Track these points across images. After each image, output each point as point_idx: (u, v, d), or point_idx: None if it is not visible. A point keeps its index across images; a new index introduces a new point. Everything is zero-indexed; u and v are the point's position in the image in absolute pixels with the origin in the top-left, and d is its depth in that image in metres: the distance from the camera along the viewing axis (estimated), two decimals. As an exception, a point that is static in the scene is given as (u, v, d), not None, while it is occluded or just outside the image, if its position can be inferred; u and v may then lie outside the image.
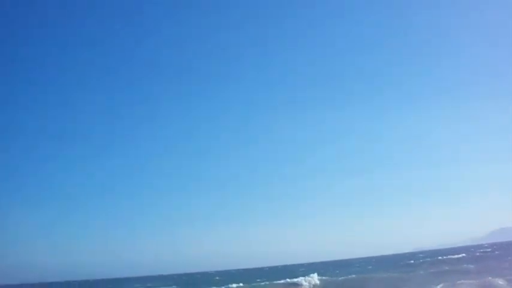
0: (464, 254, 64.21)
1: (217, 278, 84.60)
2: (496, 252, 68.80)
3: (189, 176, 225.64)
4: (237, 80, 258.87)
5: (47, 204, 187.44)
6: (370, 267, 65.19)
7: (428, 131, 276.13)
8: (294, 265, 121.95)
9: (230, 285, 34.99)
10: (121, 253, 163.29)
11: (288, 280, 37.86)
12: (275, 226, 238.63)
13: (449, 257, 62.54)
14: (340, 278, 40.34)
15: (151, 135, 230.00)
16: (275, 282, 37.64)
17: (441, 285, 29.42)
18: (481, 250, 78.48)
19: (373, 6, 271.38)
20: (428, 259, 65.97)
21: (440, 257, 65.21)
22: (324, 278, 39.40)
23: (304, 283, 37.28)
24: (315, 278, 38.36)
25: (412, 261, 66.50)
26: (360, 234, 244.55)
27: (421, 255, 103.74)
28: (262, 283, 37.72)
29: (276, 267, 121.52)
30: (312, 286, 36.86)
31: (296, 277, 39.40)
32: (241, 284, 35.14)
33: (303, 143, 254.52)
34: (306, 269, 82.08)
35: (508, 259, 50.76)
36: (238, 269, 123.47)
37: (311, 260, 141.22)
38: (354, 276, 41.17)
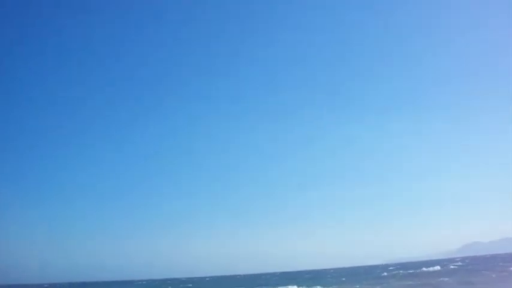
0: (438, 267, 63.88)
1: (190, 285, 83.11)
2: (469, 267, 68.75)
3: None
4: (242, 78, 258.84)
5: (46, 204, 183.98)
6: (343, 278, 64.26)
7: (404, 144, 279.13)
8: (266, 274, 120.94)
9: None
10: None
11: None
12: (246, 233, 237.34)
13: (423, 269, 62.16)
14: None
15: (150, 133, 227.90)
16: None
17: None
18: (455, 264, 78.40)
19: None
20: (402, 271, 65.50)
21: (412, 270, 64.85)
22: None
23: None
24: None
25: (385, 274, 65.98)
26: (331, 245, 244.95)
27: (392, 267, 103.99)
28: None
29: (249, 275, 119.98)
30: None
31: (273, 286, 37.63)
32: None
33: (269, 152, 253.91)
34: (279, 277, 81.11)
35: (482, 273, 50.44)
36: (212, 276, 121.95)
37: (282, 270, 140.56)
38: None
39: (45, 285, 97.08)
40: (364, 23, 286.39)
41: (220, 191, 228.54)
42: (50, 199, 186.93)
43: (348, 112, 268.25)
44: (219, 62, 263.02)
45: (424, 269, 62.58)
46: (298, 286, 36.18)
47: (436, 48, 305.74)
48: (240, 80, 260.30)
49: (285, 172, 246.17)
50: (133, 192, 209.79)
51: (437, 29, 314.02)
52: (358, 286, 39.93)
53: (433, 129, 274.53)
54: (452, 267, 67.03)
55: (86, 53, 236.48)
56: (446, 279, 43.92)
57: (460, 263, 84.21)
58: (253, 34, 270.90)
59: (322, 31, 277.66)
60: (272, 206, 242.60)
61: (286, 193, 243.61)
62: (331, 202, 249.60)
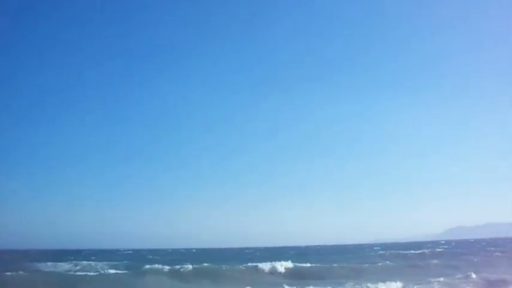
0: (425, 250, 63.40)
1: (174, 257, 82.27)
2: (455, 250, 68.53)
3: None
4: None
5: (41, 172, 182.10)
6: (332, 256, 63.73)
7: (392, 125, 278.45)
8: (249, 248, 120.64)
9: (182, 266, 31.71)
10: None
11: (250, 264, 34.06)
12: (234, 209, 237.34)
13: (410, 251, 61.65)
14: (307, 265, 37.30)
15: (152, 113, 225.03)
16: (238, 266, 34.10)
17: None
18: (441, 246, 78.17)
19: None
20: (388, 252, 64.95)
21: (398, 251, 64.39)
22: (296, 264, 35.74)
23: (279, 268, 33.42)
24: (287, 263, 34.47)
25: (372, 253, 65.31)
26: (316, 223, 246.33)
27: (377, 247, 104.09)
28: (215, 266, 34.15)
29: (232, 249, 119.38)
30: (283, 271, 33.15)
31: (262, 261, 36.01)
32: (189, 266, 31.88)
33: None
34: (263, 252, 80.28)
35: (468, 256, 49.98)
36: (197, 248, 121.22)
37: (264, 245, 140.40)
38: (320, 265, 38.21)
39: (32, 251, 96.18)
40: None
41: (207, 161, 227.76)
42: (37, 164, 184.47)
43: (341, 88, 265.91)
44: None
45: (412, 251, 62.05)
46: (287, 261, 34.53)
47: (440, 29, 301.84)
48: (243, 52, 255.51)
49: (273, 146, 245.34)
50: (122, 161, 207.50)
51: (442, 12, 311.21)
52: (346, 264, 38.85)
53: (423, 112, 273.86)
54: (438, 250, 66.57)
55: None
56: (435, 261, 43.16)
57: (446, 246, 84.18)
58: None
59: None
60: (259, 180, 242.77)
61: (273, 168, 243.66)
62: (317, 179, 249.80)
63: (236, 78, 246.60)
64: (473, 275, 26.65)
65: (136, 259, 57.51)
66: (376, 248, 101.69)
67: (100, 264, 42.24)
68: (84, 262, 45.25)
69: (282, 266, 33.63)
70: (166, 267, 33.65)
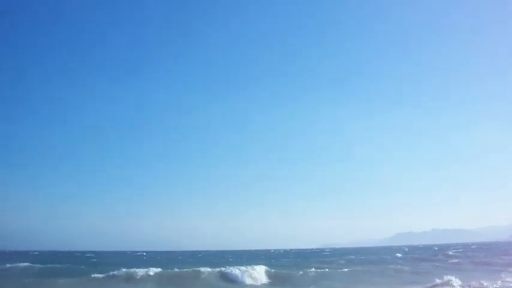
0: (385, 256, 63.28)
1: (144, 257, 79.28)
2: (410, 255, 68.51)
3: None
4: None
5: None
6: (285, 259, 62.44)
7: (353, 133, 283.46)
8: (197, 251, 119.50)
9: (151, 268, 29.48)
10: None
11: (223, 269, 31.47)
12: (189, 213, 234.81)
13: (361, 257, 61.26)
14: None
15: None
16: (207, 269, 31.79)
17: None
18: (401, 252, 78.30)
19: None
20: (353, 256, 64.23)
21: (352, 256, 63.80)
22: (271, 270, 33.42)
23: (254, 274, 30.57)
24: (260, 270, 31.37)
25: (331, 258, 64.31)
26: (269, 228, 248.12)
27: (327, 252, 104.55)
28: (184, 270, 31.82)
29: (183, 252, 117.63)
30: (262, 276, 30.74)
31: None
32: (159, 269, 29.86)
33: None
34: (214, 257, 78.15)
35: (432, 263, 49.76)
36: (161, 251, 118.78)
37: (216, 248, 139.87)
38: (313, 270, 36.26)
39: (36, 252, 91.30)
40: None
41: (198, 162, 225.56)
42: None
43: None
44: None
45: (372, 256, 61.70)
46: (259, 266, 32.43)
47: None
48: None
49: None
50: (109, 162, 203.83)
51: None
52: (313, 269, 37.16)
53: (381, 120, 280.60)
54: (398, 255, 66.47)
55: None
56: (399, 266, 42.38)
57: (404, 252, 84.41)
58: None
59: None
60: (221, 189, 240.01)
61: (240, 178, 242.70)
62: (273, 187, 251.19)
63: (224, 81, 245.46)
64: (455, 281, 25.27)
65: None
66: (326, 252, 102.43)
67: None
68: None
69: (257, 270, 31.19)
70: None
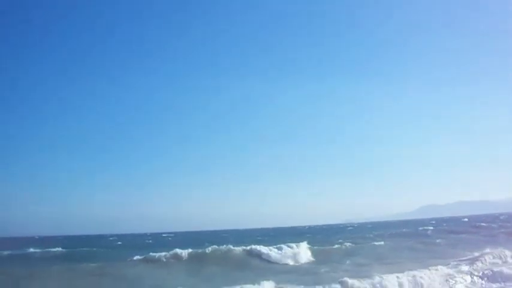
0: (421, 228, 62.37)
1: (169, 238, 79.95)
2: (440, 227, 67.43)
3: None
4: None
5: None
6: (318, 236, 62.04)
7: (369, 107, 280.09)
8: (223, 231, 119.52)
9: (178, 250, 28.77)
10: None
11: (254, 247, 30.36)
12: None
13: (392, 231, 60.41)
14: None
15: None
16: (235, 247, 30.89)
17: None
18: (432, 225, 76.99)
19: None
20: (381, 231, 63.31)
21: (381, 231, 62.84)
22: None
23: (292, 249, 29.18)
24: (303, 247, 29.62)
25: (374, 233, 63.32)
26: (287, 206, 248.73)
27: (352, 227, 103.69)
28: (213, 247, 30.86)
29: (213, 231, 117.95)
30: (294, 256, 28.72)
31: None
32: (189, 250, 29.15)
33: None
34: (237, 236, 78.01)
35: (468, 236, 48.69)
36: (190, 231, 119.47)
37: (245, 227, 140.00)
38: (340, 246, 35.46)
39: (36, 237, 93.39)
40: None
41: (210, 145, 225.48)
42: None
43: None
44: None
45: (405, 229, 60.97)
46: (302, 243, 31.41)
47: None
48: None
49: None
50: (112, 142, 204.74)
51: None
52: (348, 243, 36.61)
53: (402, 96, 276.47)
54: (428, 227, 65.42)
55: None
56: (432, 239, 41.58)
57: (432, 225, 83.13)
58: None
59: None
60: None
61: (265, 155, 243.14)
62: (292, 166, 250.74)
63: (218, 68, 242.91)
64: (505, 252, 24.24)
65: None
66: (351, 228, 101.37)
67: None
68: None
69: (301, 247, 29.99)
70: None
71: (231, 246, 30.23)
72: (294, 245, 30.19)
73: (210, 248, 29.40)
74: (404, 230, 63.82)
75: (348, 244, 35.76)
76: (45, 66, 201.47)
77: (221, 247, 29.97)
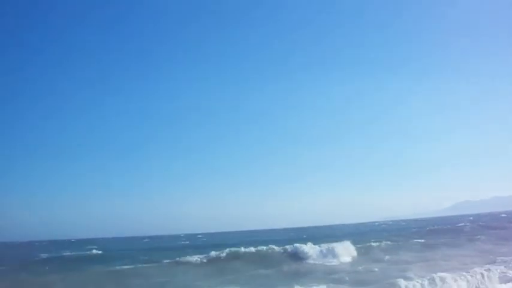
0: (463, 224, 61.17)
1: (204, 239, 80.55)
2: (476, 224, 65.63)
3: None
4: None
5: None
6: (360, 235, 61.06)
7: (401, 103, 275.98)
8: (271, 230, 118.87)
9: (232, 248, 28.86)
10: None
11: (297, 245, 29.43)
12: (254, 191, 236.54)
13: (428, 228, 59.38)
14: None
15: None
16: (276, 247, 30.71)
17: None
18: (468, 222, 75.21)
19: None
20: (415, 229, 62.46)
21: (415, 229, 61.72)
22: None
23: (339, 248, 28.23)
24: (347, 246, 29.06)
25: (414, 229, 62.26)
26: (323, 204, 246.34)
27: (386, 225, 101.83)
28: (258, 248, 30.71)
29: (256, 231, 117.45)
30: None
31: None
32: (227, 249, 29.21)
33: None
34: (285, 235, 77.72)
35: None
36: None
37: (279, 227, 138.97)
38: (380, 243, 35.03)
39: (44, 242, 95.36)
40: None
41: (218, 150, 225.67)
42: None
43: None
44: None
45: (448, 226, 59.80)
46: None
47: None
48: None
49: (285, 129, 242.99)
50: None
51: None
52: (389, 242, 36.13)
53: (431, 91, 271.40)
54: (466, 224, 64.05)
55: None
56: (479, 236, 40.67)
57: (470, 221, 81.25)
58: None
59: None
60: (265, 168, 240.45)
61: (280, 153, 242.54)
62: (321, 163, 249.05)
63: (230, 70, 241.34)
64: None
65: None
66: (384, 225, 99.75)
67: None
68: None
69: (345, 246, 29.27)
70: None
71: (274, 247, 30.10)
72: (337, 244, 29.55)
73: (253, 249, 29.35)
74: (441, 227, 62.67)
75: (387, 242, 35.30)
76: (46, 65, 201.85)
77: (261, 248, 29.89)
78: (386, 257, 28.04)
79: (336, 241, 30.77)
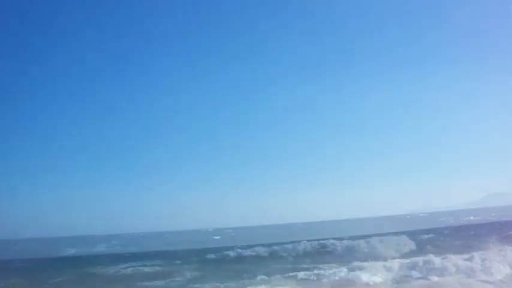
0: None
1: (233, 234, 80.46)
2: None
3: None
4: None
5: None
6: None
7: (425, 95, 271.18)
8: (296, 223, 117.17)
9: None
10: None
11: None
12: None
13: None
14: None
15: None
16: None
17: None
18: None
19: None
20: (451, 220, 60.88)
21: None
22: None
23: None
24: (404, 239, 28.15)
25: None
26: (353, 196, 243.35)
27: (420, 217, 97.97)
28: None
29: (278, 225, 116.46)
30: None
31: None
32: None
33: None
34: (307, 228, 76.52)
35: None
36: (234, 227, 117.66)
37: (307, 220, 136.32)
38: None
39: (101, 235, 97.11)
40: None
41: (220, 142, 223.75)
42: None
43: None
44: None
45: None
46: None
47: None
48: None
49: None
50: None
51: None
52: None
53: (462, 81, 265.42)
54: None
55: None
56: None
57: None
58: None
59: None
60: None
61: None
62: (354, 154, 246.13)
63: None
64: None
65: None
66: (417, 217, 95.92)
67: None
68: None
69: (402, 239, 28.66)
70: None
71: (334, 241, 30.15)
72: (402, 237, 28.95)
73: (306, 242, 29.41)
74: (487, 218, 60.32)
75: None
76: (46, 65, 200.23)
77: (312, 242, 29.85)
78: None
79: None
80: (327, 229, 67.40)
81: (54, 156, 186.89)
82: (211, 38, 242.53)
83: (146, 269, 26.54)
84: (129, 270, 26.62)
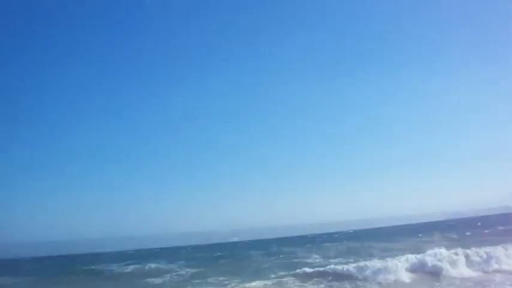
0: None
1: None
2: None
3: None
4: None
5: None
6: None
7: (442, 93, 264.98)
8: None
9: None
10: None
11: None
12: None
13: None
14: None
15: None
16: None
17: None
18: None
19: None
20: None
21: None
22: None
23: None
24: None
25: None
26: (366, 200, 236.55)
27: (449, 224, 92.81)
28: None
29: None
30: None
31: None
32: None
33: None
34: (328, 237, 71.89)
35: None
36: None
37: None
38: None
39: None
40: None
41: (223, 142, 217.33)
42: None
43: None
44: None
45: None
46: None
47: None
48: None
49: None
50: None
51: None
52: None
53: (482, 76, 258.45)
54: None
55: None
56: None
57: None
58: None
59: None
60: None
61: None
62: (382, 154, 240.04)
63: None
64: None
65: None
66: (449, 224, 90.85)
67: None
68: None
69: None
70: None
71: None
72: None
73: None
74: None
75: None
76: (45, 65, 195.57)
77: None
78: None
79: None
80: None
81: (55, 157, 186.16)
82: (214, 41, 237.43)
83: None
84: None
